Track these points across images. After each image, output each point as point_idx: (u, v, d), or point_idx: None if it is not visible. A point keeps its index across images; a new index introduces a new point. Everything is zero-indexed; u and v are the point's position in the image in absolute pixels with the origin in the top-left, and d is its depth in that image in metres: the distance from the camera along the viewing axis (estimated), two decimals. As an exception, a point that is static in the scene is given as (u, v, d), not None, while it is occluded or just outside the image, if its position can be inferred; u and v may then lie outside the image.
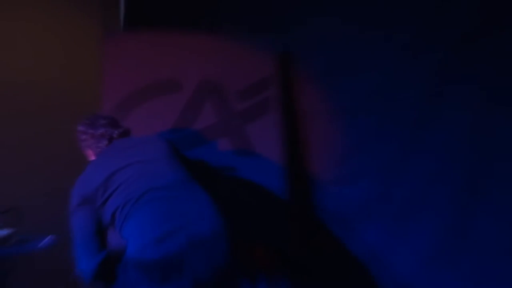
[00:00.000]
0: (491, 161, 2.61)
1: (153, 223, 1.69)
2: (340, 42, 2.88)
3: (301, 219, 2.89)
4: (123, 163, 1.85)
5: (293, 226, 2.77)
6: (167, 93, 2.76)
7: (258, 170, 2.72)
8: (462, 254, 2.61)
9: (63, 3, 3.12)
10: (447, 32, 2.71)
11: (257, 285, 2.62)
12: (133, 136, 2.14)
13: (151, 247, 1.63)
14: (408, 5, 2.77)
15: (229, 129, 2.77)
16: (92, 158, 2.04)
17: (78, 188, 1.85)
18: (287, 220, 2.69)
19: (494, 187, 2.59)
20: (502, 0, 2.62)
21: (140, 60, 2.76)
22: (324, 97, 2.91)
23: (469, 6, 2.67)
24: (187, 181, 1.85)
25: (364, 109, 2.84)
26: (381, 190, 2.80)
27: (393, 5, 2.79)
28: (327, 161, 2.90)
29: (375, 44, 2.82)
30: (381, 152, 2.81)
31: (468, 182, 2.65)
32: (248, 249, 2.36)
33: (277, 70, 2.86)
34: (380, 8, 2.82)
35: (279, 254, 2.72)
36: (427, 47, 2.74)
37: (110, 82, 2.69)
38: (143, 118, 2.67)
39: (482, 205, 2.61)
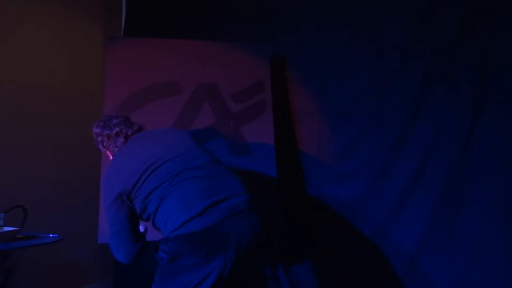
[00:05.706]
0: (476, 157, 2.74)
1: (193, 198, 1.74)
2: (330, 47, 3.00)
3: (292, 215, 2.99)
4: (152, 151, 1.86)
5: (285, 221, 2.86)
6: (166, 95, 2.83)
7: (253, 169, 2.78)
8: (450, 244, 2.74)
9: (68, 10, 3.17)
10: (433, 36, 2.83)
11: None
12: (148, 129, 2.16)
13: (194, 221, 1.69)
14: (395, 10, 2.89)
15: (225, 129, 2.85)
16: (111, 158, 2.05)
17: (108, 182, 1.87)
18: (279, 214, 2.77)
19: (478, 182, 2.72)
20: (487, 6, 2.74)
21: (140, 64, 2.84)
22: (315, 99, 3.03)
23: (454, 11, 2.79)
24: (216, 162, 1.92)
25: (354, 111, 2.95)
26: (372, 188, 2.91)
27: (381, 11, 2.92)
28: (319, 161, 3.00)
29: (364, 48, 2.94)
30: (371, 150, 2.92)
31: (454, 176, 2.77)
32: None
33: (270, 74, 2.95)
34: (368, 14, 2.95)
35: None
36: (414, 51, 2.86)
37: (112, 85, 2.77)
38: (143, 119, 2.59)
39: (467, 197, 2.74)
